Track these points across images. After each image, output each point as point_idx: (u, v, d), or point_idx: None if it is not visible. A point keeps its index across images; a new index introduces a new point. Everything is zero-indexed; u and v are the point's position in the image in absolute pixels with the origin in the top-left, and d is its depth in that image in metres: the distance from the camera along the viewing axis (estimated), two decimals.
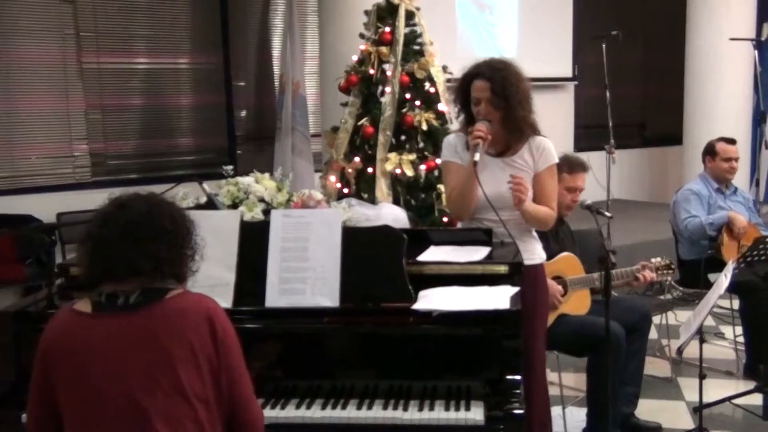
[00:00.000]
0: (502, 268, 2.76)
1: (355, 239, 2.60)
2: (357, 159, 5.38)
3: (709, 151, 5.22)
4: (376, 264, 2.58)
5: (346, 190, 5.44)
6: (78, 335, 1.94)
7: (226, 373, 1.97)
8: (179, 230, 2.03)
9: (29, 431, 2.03)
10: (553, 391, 4.31)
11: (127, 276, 1.95)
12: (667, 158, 9.83)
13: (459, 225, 3.34)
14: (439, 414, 2.34)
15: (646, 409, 4.30)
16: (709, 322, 5.96)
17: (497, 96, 3.05)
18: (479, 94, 3.08)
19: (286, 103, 6.89)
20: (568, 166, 3.95)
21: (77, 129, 6.62)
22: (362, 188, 5.37)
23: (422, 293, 2.58)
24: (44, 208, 6.11)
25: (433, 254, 2.92)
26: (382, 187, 5.22)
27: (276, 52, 7.47)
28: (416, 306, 2.48)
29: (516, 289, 2.59)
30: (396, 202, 5.26)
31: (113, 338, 1.91)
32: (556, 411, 4.11)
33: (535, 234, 3.30)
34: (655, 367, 4.97)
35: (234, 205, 3.23)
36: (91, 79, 6.65)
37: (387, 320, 2.51)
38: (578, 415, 4.12)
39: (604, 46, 6.31)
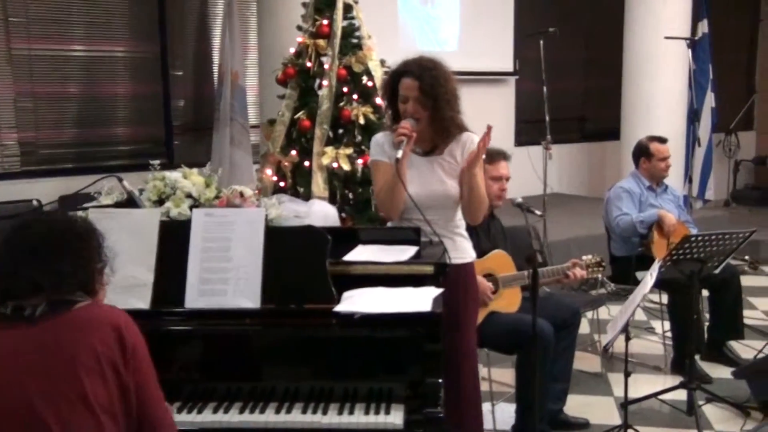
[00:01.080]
0: (428, 269, 2.75)
1: (278, 239, 2.57)
2: (294, 152, 5.34)
3: (644, 152, 5.29)
4: (298, 264, 2.55)
5: (282, 184, 5.39)
6: None
7: (136, 386, 1.93)
8: (85, 246, 2.01)
9: None
10: (482, 387, 4.36)
11: (28, 293, 1.91)
12: (605, 153, 9.98)
13: (389, 224, 3.32)
14: (358, 418, 2.32)
15: (575, 405, 4.36)
16: (640, 316, 6.08)
17: (426, 95, 3.04)
18: (407, 93, 3.07)
19: (225, 93, 6.78)
20: (487, 156, 3.94)
21: (6, 117, 6.42)
22: (299, 182, 5.32)
23: (346, 294, 2.56)
24: None
25: (361, 253, 2.90)
26: (318, 181, 5.19)
27: (216, 41, 7.34)
28: (338, 308, 2.46)
29: (440, 290, 2.59)
30: (332, 196, 5.24)
31: (15, 348, 1.88)
32: (485, 407, 4.14)
33: (465, 233, 3.30)
34: (585, 362, 5.04)
35: (160, 201, 3.16)
36: (22, 66, 6.45)
37: (308, 322, 2.49)
38: (510, 411, 4.14)
39: (541, 42, 6.36)
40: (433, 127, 3.11)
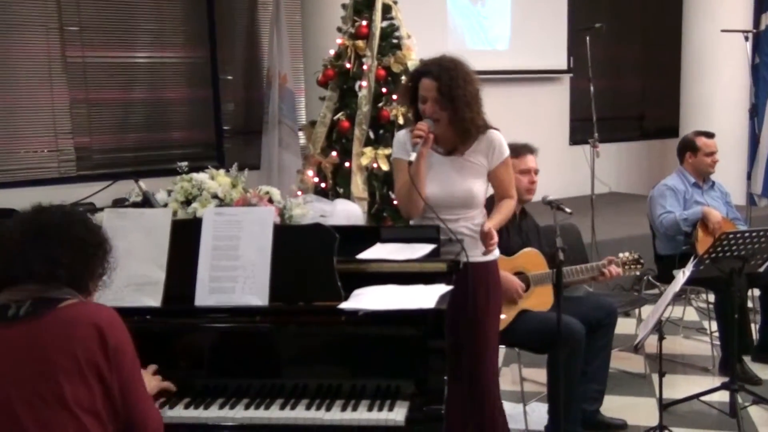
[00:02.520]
0: (441, 266, 2.75)
1: (286, 237, 2.59)
2: (334, 153, 5.37)
3: (690, 147, 5.16)
4: (306, 262, 2.57)
5: (323, 185, 5.43)
6: None
7: (119, 384, 1.95)
8: (90, 241, 2.03)
9: None
10: (515, 387, 4.32)
11: (21, 279, 1.94)
12: (665, 151, 9.72)
13: (411, 222, 3.32)
14: (360, 414, 2.32)
15: (616, 406, 4.28)
16: (693, 317, 5.93)
17: (444, 96, 3.02)
18: (426, 93, 3.06)
19: (273, 96, 6.90)
20: (513, 151, 3.90)
21: (62, 123, 6.65)
22: (339, 183, 5.35)
23: (356, 292, 2.57)
24: (28, 202, 6.11)
25: (377, 251, 2.91)
26: (357, 182, 5.21)
27: (264, 45, 7.45)
28: (343, 305, 2.46)
29: (449, 287, 2.57)
30: (372, 196, 5.25)
31: None
32: (517, 408, 4.10)
33: None
34: (629, 363, 4.94)
35: (188, 202, 3.23)
36: (76, 74, 6.67)
37: (315, 320, 2.50)
38: (543, 411, 4.07)
39: (587, 38, 6.25)
40: (453, 127, 3.10)
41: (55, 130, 6.63)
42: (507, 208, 3.27)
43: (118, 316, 2.00)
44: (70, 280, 1.98)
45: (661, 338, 3.61)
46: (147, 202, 2.84)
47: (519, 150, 3.92)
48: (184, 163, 3.39)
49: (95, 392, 1.90)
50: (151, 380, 2.31)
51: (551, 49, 8.77)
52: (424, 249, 2.89)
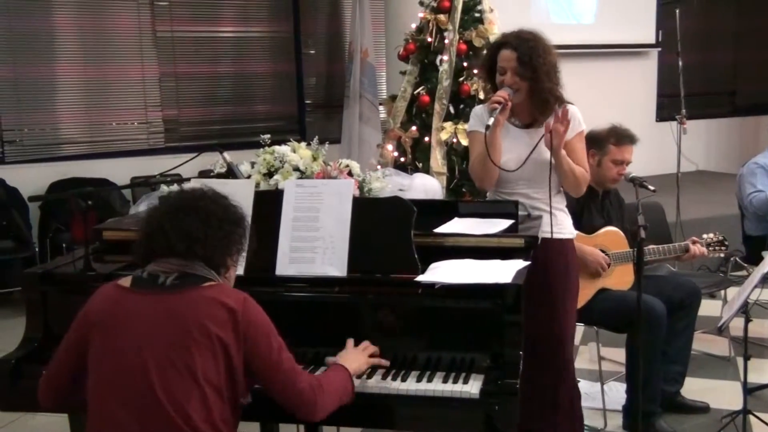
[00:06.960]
0: (518, 242, 2.73)
1: (365, 210, 2.61)
2: (414, 128, 5.38)
3: None
4: (384, 235, 2.59)
5: (402, 159, 5.45)
6: (114, 306, 2.09)
7: (254, 363, 2.07)
8: (226, 219, 2.16)
9: (43, 380, 2.21)
10: (593, 365, 4.28)
11: (163, 253, 2.09)
12: (758, 128, 9.38)
13: (488, 196, 3.31)
14: (435, 386, 2.34)
15: (699, 388, 4.20)
16: None
17: (524, 66, 3.00)
18: (505, 64, 3.04)
19: (354, 70, 6.94)
20: (615, 138, 3.84)
21: (152, 96, 6.86)
22: (418, 157, 5.37)
23: (433, 265, 2.58)
24: (119, 172, 6.37)
25: (455, 226, 2.92)
26: (436, 157, 5.21)
27: (347, 19, 7.49)
28: (420, 278, 2.48)
29: (527, 263, 2.56)
30: (451, 171, 5.25)
31: (142, 313, 2.05)
32: (595, 387, 4.07)
33: (564, 208, 3.24)
34: (713, 345, 4.82)
35: (270, 174, 3.30)
36: (165, 48, 6.87)
37: (390, 291, 2.53)
38: (621, 390, 4.04)
39: (677, 11, 6.06)
40: (531, 99, 3.07)
41: (145, 103, 6.86)
42: (579, 168, 3.11)
43: (253, 300, 2.13)
44: (208, 256, 2.11)
45: (747, 320, 3.52)
46: (231, 173, 2.91)
47: (621, 139, 3.85)
48: (267, 136, 3.47)
49: (221, 369, 2.02)
50: (359, 356, 2.37)
51: (639, 22, 8.53)
52: (502, 224, 2.88)
